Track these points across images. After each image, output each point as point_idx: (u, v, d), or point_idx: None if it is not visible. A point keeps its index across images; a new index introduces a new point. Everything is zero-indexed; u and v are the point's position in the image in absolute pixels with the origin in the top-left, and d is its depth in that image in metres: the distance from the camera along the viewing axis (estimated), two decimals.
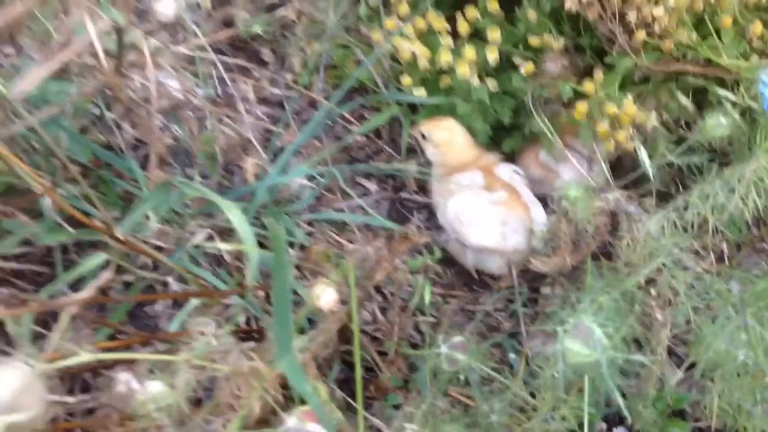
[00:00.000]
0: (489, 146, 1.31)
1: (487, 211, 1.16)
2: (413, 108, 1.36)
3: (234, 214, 0.76)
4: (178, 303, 1.09)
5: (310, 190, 1.26)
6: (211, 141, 1.22)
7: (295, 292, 0.95)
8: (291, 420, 0.74)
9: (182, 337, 0.75)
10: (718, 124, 0.90)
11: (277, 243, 0.62)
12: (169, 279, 1.09)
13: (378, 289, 1.17)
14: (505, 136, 1.32)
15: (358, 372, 0.72)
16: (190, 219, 1.15)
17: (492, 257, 1.17)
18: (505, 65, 1.30)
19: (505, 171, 1.22)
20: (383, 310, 1.13)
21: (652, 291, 0.85)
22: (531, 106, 1.24)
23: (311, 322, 1.01)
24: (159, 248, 1.17)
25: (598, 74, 1.19)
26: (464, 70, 1.23)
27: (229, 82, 1.47)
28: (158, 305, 1.09)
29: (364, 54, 1.38)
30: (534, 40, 1.25)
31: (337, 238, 1.23)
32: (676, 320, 0.86)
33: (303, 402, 0.76)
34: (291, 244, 1.18)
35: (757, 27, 1.09)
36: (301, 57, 1.47)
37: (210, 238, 1.16)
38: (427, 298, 1.07)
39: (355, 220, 1.22)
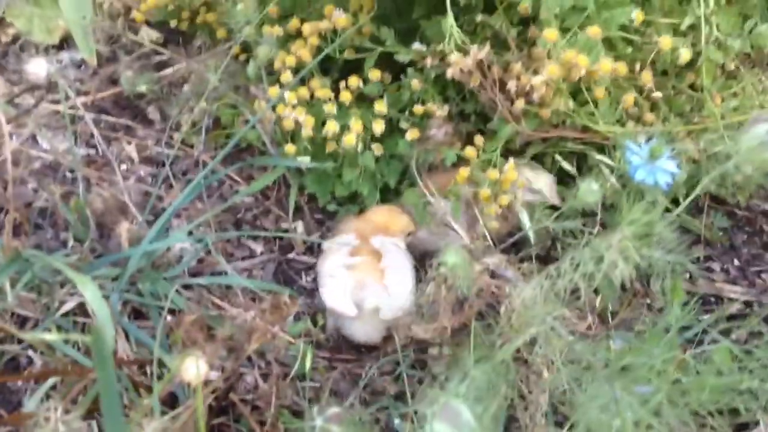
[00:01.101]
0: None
1: (340, 273, 1.14)
2: (301, 170, 1.34)
3: (88, 289, 0.71)
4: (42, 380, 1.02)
5: (192, 253, 1.22)
6: (82, 206, 1.17)
7: (164, 365, 0.90)
8: None
9: (29, 419, 0.69)
10: (590, 190, 0.91)
11: (98, 337, 0.58)
12: (32, 353, 1.02)
13: (261, 356, 1.13)
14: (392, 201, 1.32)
15: None
16: (59, 287, 1.09)
17: (353, 323, 1.14)
18: (393, 129, 1.31)
19: (380, 240, 1.20)
20: (265, 377, 1.08)
21: (533, 358, 0.84)
22: (415, 172, 1.25)
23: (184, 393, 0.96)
24: (24, 318, 1.11)
25: (480, 140, 1.21)
26: (351, 141, 1.23)
27: (111, 142, 1.43)
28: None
29: (252, 114, 1.36)
30: (418, 108, 1.26)
31: (219, 302, 1.19)
32: (556, 384, 0.85)
33: None
34: (171, 311, 1.13)
35: (629, 99, 1.14)
36: (188, 116, 1.44)
37: (80, 306, 1.10)
38: (308, 364, 1.03)
39: (236, 283, 1.18)
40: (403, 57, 1.27)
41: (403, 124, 1.29)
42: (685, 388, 0.77)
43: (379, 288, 1.13)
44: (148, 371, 1.03)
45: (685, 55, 1.10)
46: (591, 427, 0.68)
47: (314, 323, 1.18)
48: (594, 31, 1.07)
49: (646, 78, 1.12)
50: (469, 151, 1.20)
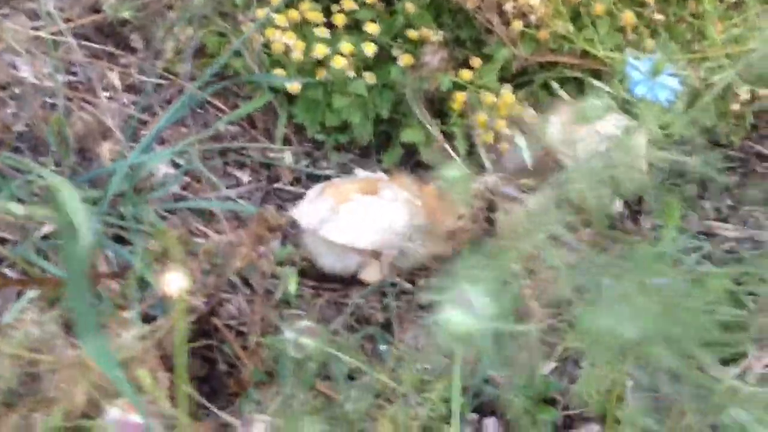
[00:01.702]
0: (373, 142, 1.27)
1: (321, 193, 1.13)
2: (290, 98, 1.30)
3: (64, 190, 0.67)
4: (20, 296, 0.99)
5: (175, 177, 1.18)
6: (63, 124, 1.13)
7: (144, 279, 0.87)
8: (113, 411, 0.66)
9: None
10: (594, 106, 0.88)
11: (67, 204, 0.54)
12: (9, 271, 0.99)
13: (246, 282, 1.10)
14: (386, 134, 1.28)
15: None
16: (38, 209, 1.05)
17: (323, 250, 1.13)
18: (385, 57, 1.26)
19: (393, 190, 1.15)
20: (250, 303, 1.06)
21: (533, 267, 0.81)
22: (410, 100, 1.21)
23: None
24: (2, 240, 1.07)
25: (477, 62, 1.18)
26: (339, 63, 1.19)
27: (93, 69, 1.38)
28: None
29: (244, 42, 1.31)
30: (412, 33, 1.22)
31: (204, 229, 1.16)
32: (554, 302, 0.83)
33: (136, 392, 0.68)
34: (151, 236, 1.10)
35: (629, 16, 1.10)
36: (173, 43, 1.39)
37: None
38: (293, 288, 1.01)
39: (219, 207, 1.14)
40: None
41: (396, 52, 1.25)
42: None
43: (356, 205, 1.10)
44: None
45: None
46: (595, 339, 0.65)
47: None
48: None
49: None
50: (465, 74, 1.16)
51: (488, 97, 1.13)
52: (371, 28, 1.20)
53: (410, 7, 1.22)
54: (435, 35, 1.22)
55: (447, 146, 1.17)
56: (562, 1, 1.09)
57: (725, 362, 1.14)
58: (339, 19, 1.22)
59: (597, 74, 1.16)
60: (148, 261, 0.88)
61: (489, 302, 0.57)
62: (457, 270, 0.61)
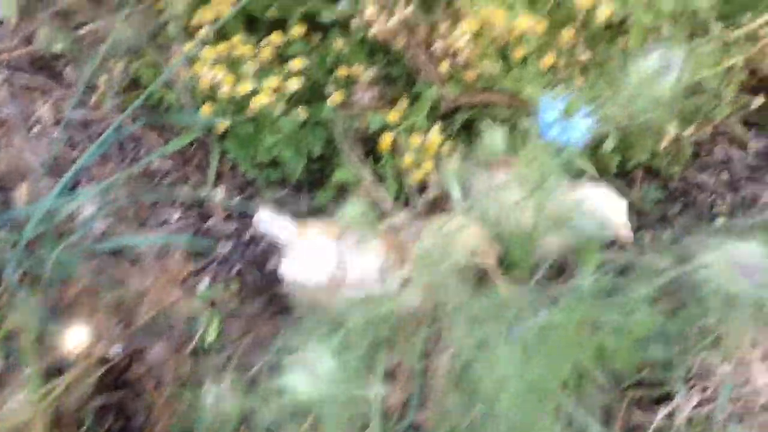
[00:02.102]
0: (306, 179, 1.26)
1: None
2: (222, 133, 1.28)
3: None
4: None
5: (97, 216, 1.15)
6: None
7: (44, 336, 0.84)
8: None
9: None
10: (493, 139, 0.86)
11: None
12: None
13: (171, 328, 1.07)
14: (321, 171, 1.27)
15: None
16: None
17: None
18: (319, 93, 1.25)
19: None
20: (172, 350, 1.03)
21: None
22: (339, 138, 1.20)
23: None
24: None
25: (403, 103, 1.16)
26: (261, 100, 1.17)
27: (22, 103, 1.35)
28: None
29: (174, 76, 1.29)
30: (342, 70, 1.20)
31: (130, 270, 1.13)
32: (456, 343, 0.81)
33: None
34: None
35: (548, 59, 1.09)
36: (106, 76, 1.37)
37: None
38: (214, 333, 0.98)
39: (142, 244, 1.11)
40: (327, 16, 1.21)
41: (330, 88, 1.23)
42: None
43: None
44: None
45: (601, 14, 1.05)
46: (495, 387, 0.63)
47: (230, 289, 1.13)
48: None
49: (567, 36, 1.08)
50: (392, 115, 1.15)
51: (415, 138, 1.12)
52: (297, 63, 1.19)
53: (340, 44, 1.21)
54: (366, 73, 1.21)
55: (377, 186, 1.16)
56: (489, 42, 1.08)
57: (657, 401, 1.14)
58: (266, 53, 1.21)
59: (528, 114, 1.15)
60: (54, 312, 0.86)
61: (334, 366, 0.56)
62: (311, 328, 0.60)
